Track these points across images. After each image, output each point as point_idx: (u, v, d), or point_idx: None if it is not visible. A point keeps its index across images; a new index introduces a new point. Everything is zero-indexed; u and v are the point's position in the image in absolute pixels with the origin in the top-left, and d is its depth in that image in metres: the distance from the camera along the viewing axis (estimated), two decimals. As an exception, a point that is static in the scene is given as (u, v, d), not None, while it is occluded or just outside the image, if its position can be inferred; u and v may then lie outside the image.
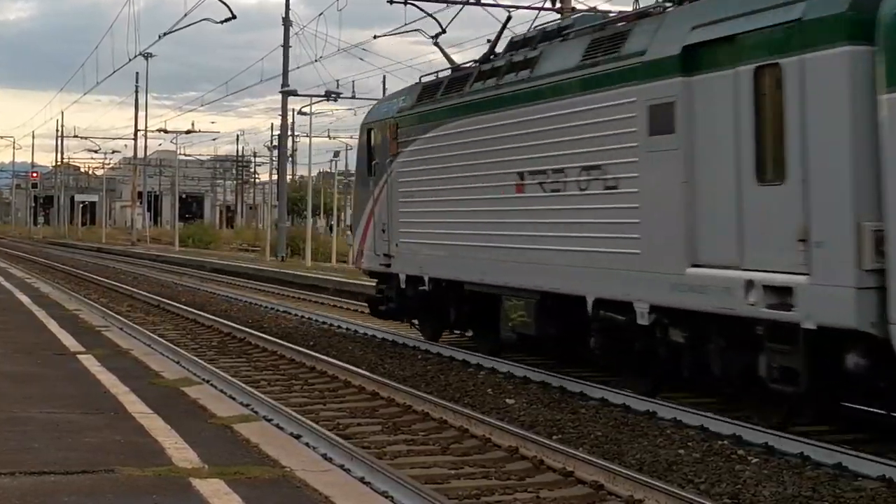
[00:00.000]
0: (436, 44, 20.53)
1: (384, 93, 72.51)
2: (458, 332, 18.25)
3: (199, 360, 15.78)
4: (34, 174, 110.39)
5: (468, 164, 15.81)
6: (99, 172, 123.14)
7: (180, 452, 8.10)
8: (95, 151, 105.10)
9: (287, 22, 51.65)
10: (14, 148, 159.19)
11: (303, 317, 23.88)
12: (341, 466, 8.83)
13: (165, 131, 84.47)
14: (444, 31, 21.89)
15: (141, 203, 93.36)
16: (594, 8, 16.74)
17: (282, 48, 51.62)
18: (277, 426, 10.56)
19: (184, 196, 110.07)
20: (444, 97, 16.89)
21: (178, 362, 15.20)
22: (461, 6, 25.66)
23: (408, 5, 24.71)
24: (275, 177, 63.14)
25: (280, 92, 52.11)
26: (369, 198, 19.30)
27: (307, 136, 57.92)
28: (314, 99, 53.27)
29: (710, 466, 9.64)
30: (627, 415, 12.02)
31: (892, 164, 9.17)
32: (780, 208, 10.21)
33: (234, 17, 34.61)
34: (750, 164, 10.59)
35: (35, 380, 11.84)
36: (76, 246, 76.39)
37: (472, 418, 11.41)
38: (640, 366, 12.77)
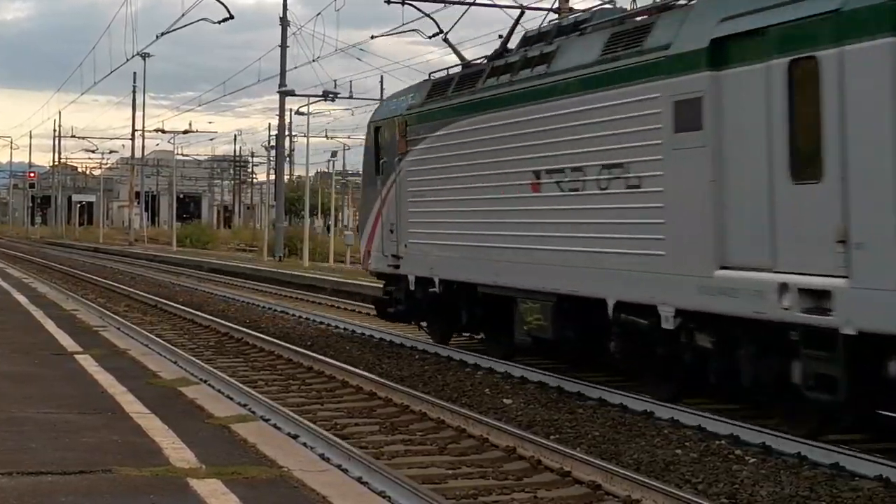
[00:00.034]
0: (445, 40, 20.19)
1: (382, 93, 72.47)
2: (470, 335, 17.93)
3: (197, 360, 15.79)
4: (31, 174, 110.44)
5: (481, 163, 15.39)
6: (96, 172, 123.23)
7: (178, 452, 8.09)
8: (93, 151, 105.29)
9: (284, 22, 51.70)
10: (11, 148, 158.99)
11: (300, 317, 23.88)
12: (339, 466, 8.82)
13: (163, 131, 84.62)
14: (440, 31, 21.91)
15: (138, 203, 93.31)
16: (613, 0, 16.04)
17: (279, 48, 51.67)
18: (275, 426, 10.55)
19: (181, 196, 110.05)
20: (456, 94, 16.46)
21: (175, 362, 15.21)
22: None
23: (405, 5, 24.74)
24: (272, 177, 63.09)
25: (278, 92, 52.10)
26: (377, 197, 18.84)
27: (304, 136, 58.01)
28: (312, 99, 53.49)
29: (707, 466, 9.65)
30: (625, 415, 12.02)
31: None
32: (816, 208, 9.73)
33: (231, 17, 34.58)
34: (784, 162, 10.08)
35: (32, 380, 11.84)
36: (73, 246, 76.42)
37: (470, 418, 11.40)
38: (663, 371, 12.35)
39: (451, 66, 18.00)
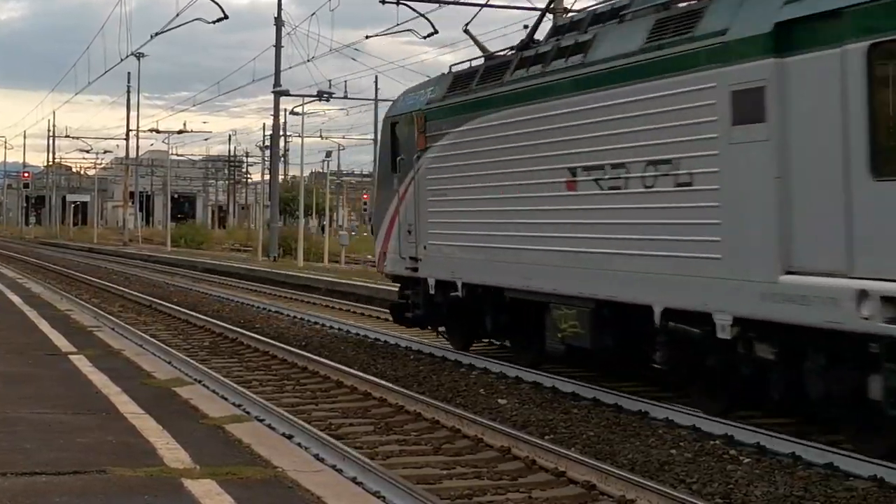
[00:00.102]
0: (466, 31, 19.08)
1: (376, 93, 72.54)
2: (489, 341, 17.21)
3: (191, 361, 15.79)
4: (26, 174, 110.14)
5: (509, 160, 14.42)
6: (91, 172, 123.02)
7: (172, 453, 8.08)
8: (87, 151, 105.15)
9: (279, 22, 51.62)
10: (5, 148, 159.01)
11: (295, 317, 23.87)
12: (333, 467, 8.83)
13: (157, 131, 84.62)
14: (435, 31, 21.97)
15: (133, 203, 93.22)
16: None
17: (274, 48, 51.60)
18: (269, 426, 10.54)
19: (176, 196, 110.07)
20: (481, 87, 15.44)
21: (169, 362, 15.21)
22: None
23: (400, 5, 24.81)
24: (267, 177, 63.01)
25: (272, 92, 52.08)
26: (393, 196, 17.76)
27: (299, 136, 58.02)
28: (306, 99, 53.49)
29: (701, 466, 9.64)
30: (619, 415, 12.00)
31: None
32: None
33: (226, 17, 34.66)
34: (862, 157, 9.17)
35: (26, 380, 11.81)
36: (68, 246, 76.28)
37: (465, 418, 11.40)
38: (715, 383, 11.48)
39: (474, 59, 16.92)
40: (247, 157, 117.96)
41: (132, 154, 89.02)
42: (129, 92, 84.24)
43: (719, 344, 10.78)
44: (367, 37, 70.70)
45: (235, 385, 13.54)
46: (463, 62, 17.02)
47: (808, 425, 10.91)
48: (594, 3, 14.29)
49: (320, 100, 50.61)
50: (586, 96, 12.84)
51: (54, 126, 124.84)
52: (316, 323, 22.45)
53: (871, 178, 9.13)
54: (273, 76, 51.45)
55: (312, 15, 60.84)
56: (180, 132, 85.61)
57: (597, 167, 12.61)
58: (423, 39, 28.14)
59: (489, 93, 15.15)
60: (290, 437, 10.07)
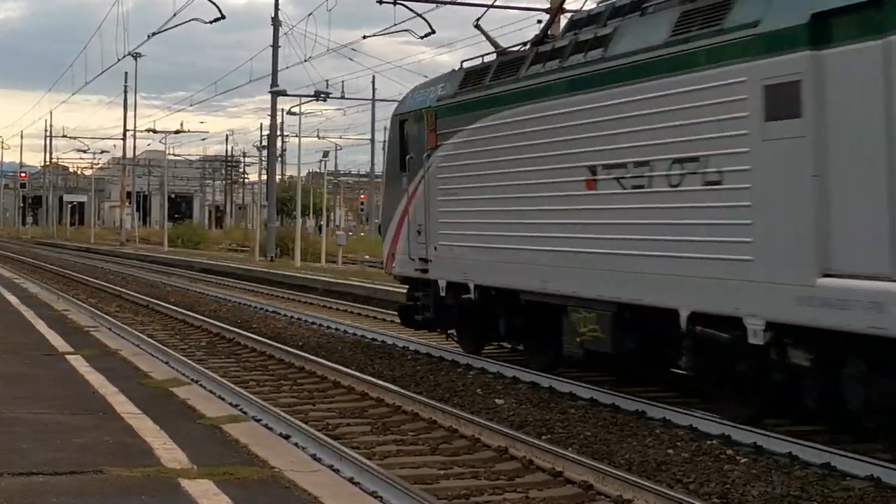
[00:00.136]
0: (477, 26, 18.69)
1: (374, 93, 72.61)
2: (499, 344, 16.87)
3: (188, 361, 15.78)
4: (23, 174, 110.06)
5: (525, 158, 13.93)
6: (88, 172, 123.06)
7: (169, 453, 8.08)
8: (84, 151, 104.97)
9: (276, 22, 51.62)
10: (2, 148, 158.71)
11: (292, 317, 23.87)
12: (330, 467, 8.82)
13: (154, 131, 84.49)
14: (432, 31, 21.97)
15: (130, 203, 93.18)
16: None
17: (271, 48, 51.59)
18: (266, 426, 10.53)
19: (173, 196, 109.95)
20: (495, 82, 14.94)
21: (166, 363, 15.20)
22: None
23: (397, 5, 24.78)
24: (264, 177, 63.05)
25: (269, 92, 52.08)
26: (402, 196, 17.25)
27: (296, 136, 57.92)
28: (303, 99, 53.43)
29: (699, 466, 9.65)
30: (617, 415, 12.00)
31: None
32: None
33: (223, 17, 34.62)
34: None
35: (23, 380, 11.80)
36: (65, 246, 76.25)
37: (462, 418, 11.40)
38: (745, 390, 11.06)
39: (486, 54, 16.46)
40: (244, 157, 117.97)
41: (129, 154, 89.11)
42: (126, 92, 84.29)
43: (750, 349, 10.32)
44: (364, 37, 70.68)
45: (232, 385, 13.52)
46: (475, 58, 16.55)
47: (806, 425, 10.85)
48: None
49: (317, 100, 50.64)
50: (607, 92, 12.38)
51: (51, 126, 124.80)
52: (313, 323, 22.46)
53: None
54: (270, 76, 51.47)
55: (309, 15, 61.03)
56: (177, 132, 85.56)
57: (618, 165, 12.13)
58: (420, 39, 28.13)
59: (503, 89, 14.68)
60: (287, 437, 10.07)
